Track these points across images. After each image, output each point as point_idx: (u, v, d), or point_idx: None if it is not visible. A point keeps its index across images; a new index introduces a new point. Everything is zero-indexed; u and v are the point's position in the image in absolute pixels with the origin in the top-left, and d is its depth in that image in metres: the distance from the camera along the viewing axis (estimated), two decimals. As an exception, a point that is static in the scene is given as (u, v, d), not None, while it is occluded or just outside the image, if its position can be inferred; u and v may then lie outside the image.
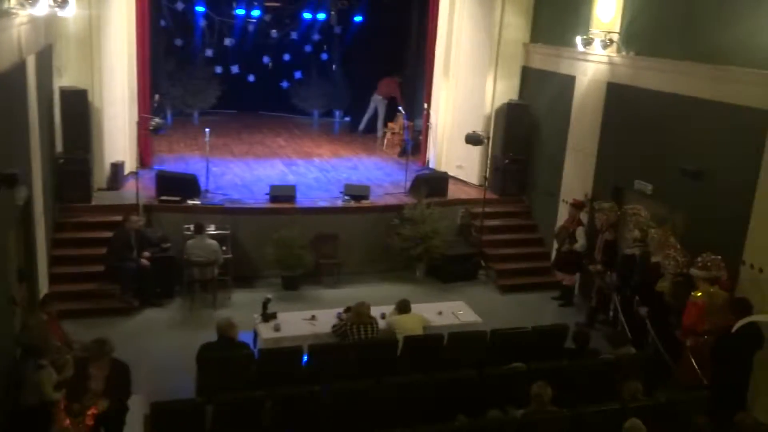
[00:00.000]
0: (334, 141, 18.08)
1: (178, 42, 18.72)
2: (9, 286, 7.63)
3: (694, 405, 7.27)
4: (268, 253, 11.50)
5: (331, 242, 12.16)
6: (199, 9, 18.23)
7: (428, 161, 15.40)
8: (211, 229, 11.16)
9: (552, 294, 11.93)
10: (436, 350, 8.34)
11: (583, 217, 11.34)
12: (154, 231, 11.36)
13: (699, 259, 8.51)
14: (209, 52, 18.94)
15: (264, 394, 6.86)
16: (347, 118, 20.36)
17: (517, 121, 13.43)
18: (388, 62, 18.45)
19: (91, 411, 6.63)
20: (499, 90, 13.82)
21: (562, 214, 12.12)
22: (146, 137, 13.37)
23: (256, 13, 18.85)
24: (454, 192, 13.58)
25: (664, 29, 10.19)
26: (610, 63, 11.17)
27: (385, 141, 17.56)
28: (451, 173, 14.32)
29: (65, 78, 11.63)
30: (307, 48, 20.18)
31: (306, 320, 9.08)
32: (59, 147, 11.50)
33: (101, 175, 12.29)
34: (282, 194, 12.34)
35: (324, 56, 20.52)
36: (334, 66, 20.64)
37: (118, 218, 10.90)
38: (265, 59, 19.91)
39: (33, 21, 8.54)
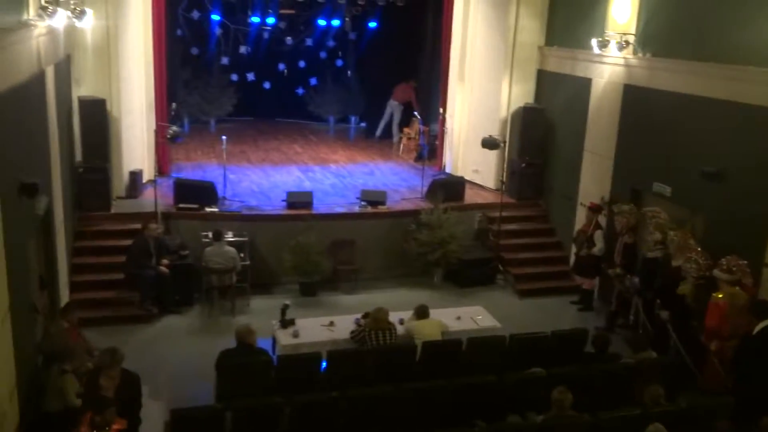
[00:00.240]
0: (350, 147, 18.11)
1: (194, 51, 18.87)
2: (30, 294, 7.70)
3: (717, 410, 7.18)
4: (285, 259, 11.53)
5: (349, 248, 12.16)
6: (215, 18, 18.36)
7: (444, 166, 15.38)
8: (229, 236, 11.21)
9: (571, 298, 11.86)
10: (454, 356, 8.31)
11: (602, 220, 11.27)
12: (173, 238, 11.43)
13: (723, 261, 8.42)
14: (225, 60, 19.08)
15: (283, 400, 6.87)
16: (363, 124, 20.39)
17: (534, 125, 13.39)
18: (403, 68, 18.46)
19: (116, 426, 6.50)
20: (514, 93, 13.78)
21: (580, 218, 12.05)
22: (164, 145, 13.46)
23: (271, 20, 18.96)
24: (470, 196, 13.55)
25: (681, 30, 10.12)
26: (627, 65, 11.10)
27: (401, 146, 17.56)
28: (467, 178, 14.30)
29: (83, 88, 11.75)
30: (322, 54, 20.27)
31: (324, 326, 9.09)
32: (78, 156, 11.62)
33: (120, 183, 12.40)
34: (299, 201, 12.37)
35: (339, 62, 20.61)
36: (349, 72, 20.70)
37: (137, 226, 10.99)
38: (281, 66, 20.03)
39: (51, 32, 8.65)
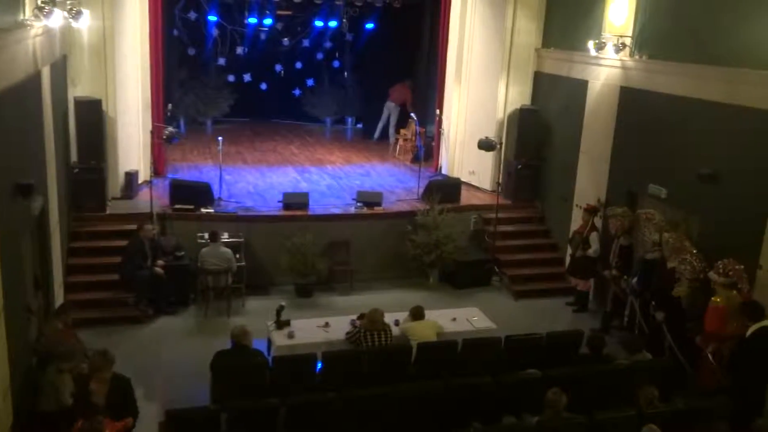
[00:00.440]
0: (346, 148, 18.11)
1: (191, 51, 18.87)
2: (25, 295, 7.69)
3: (712, 411, 7.19)
4: (281, 260, 11.52)
5: (344, 249, 12.17)
6: (212, 18, 18.35)
7: (441, 167, 15.39)
8: (225, 237, 11.20)
9: (566, 299, 11.86)
10: (450, 357, 8.31)
11: (597, 222, 11.28)
12: (168, 239, 11.42)
13: (719, 264, 8.43)
14: (222, 61, 19.07)
15: (278, 401, 6.86)
16: (359, 125, 20.40)
17: (530, 127, 13.40)
18: (400, 69, 18.47)
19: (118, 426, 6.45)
20: (511, 95, 13.79)
21: (576, 220, 12.06)
22: (160, 146, 13.44)
23: (268, 21, 18.97)
24: (466, 198, 13.56)
25: (677, 32, 10.13)
26: (623, 67, 11.12)
27: (398, 147, 17.57)
28: (463, 179, 14.30)
29: (79, 88, 11.73)
30: (319, 55, 20.29)
31: (319, 327, 9.08)
32: (74, 156, 11.59)
33: (115, 184, 12.38)
34: (295, 202, 12.37)
35: (336, 64, 20.63)
36: (346, 73, 20.72)
37: (133, 227, 10.97)
38: (278, 67, 20.03)
39: (48, 32, 8.64)
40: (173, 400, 7.87)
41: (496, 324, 9.55)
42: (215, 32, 18.70)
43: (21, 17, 7.65)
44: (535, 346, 8.59)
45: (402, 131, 17.70)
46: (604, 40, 11.21)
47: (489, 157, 13.64)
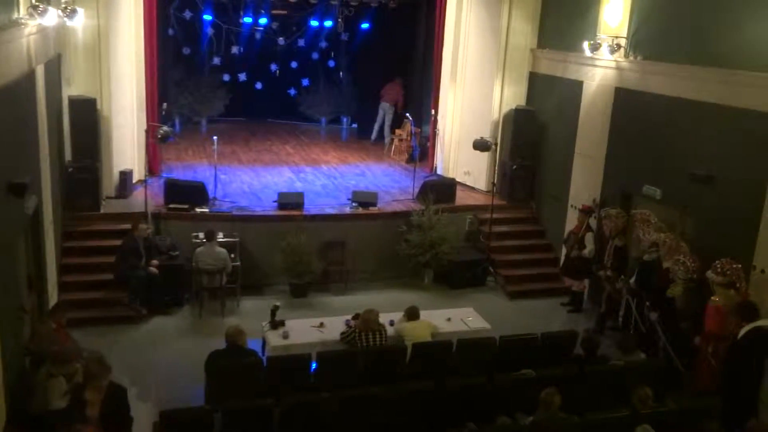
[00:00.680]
0: (341, 148, 18.10)
1: (186, 50, 18.82)
2: (19, 295, 7.66)
3: (706, 411, 7.21)
4: (276, 260, 11.51)
5: (339, 249, 12.16)
6: (207, 17, 18.31)
7: (436, 167, 15.39)
8: (220, 237, 11.18)
9: (561, 300, 11.89)
10: (444, 357, 8.31)
11: (592, 222, 11.30)
12: (163, 239, 11.40)
13: (717, 263, 8.44)
14: (217, 60, 19.04)
15: (273, 401, 6.85)
16: (354, 125, 20.40)
17: (525, 127, 13.42)
18: (395, 69, 18.47)
19: None
20: (506, 96, 13.81)
21: (571, 220, 12.09)
22: (154, 145, 13.41)
23: (263, 21, 18.92)
24: (462, 198, 13.57)
25: (672, 33, 10.16)
26: (618, 68, 11.14)
27: (393, 147, 17.56)
28: (458, 179, 14.32)
29: (74, 87, 11.70)
30: (314, 55, 20.26)
31: (314, 327, 9.07)
32: (68, 156, 11.56)
33: (110, 183, 12.35)
34: (290, 201, 12.35)
35: (331, 63, 20.61)
36: (341, 73, 20.71)
37: (127, 226, 10.94)
38: (273, 67, 19.99)
39: (42, 31, 8.61)
40: (167, 401, 7.86)
41: (490, 324, 9.56)
42: (210, 31, 18.66)
43: (15, 16, 7.62)
44: (530, 347, 8.60)
45: (397, 131, 17.71)
46: (599, 41, 11.24)
47: (484, 157, 13.65)
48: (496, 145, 13.12)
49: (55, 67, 10.66)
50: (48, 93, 9.46)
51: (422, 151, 15.75)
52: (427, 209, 12.35)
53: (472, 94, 14.45)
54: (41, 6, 7.83)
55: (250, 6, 18.28)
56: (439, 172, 15.20)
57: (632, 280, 9.88)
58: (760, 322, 7.75)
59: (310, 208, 12.45)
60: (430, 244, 12.06)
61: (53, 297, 9.62)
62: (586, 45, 11.39)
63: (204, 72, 19.23)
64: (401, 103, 18.24)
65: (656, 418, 6.55)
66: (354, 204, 12.68)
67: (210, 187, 12.48)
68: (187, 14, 17.97)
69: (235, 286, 11.19)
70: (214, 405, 6.88)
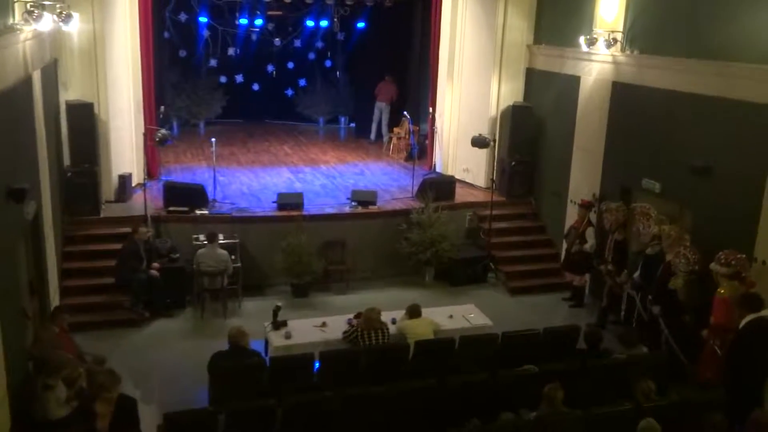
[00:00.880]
0: (340, 147, 18.10)
1: (182, 53, 18.84)
2: (21, 300, 7.66)
3: (709, 404, 7.21)
4: (276, 261, 11.51)
5: (340, 248, 12.16)
6: (203, 20, 18.30)
7: (435, 165, 15.39)
8: (220, 239, 11.18)
9: (562, 295, 11.89)
10: (447, 354, 8.32)
11: (592, 217, 11.31)
12: (163, 242, 11.40)
13: (721, 254, 8.41)
14: (213, 62, 19.03)
15: (276, 401, 6.86)
16: (352, 125, 20.39)
17: (523, 123, 13.42)
18: (392, 67, 18.46)
19: None
20: (503, 92, 13.81)
21: (570, 215, 12.09)
22: (153, 148, 13.40)
23: (259, 22, 18.93)
24: (461, 195, 13.57)
25: (668, 27, 10.16)
26: (615, 62, 11.14)
27: (391, 146, 17.56)
28: (458, 176, 14.32)
29: (71, 92, 11.69)
30: (311, 55, 20.26)
31: (316, 327, 9.07)
32: (67, 160, 11.56)
33: (109, 187, 12.34)
34: (289, 202, 12.35)
35: (328, 63, 20.60)
36: (338, 73, 20.71)
37: (127, 230, 10.94)
38: (269, 68, 19.98)
39: (38, 36, 8.61)
40: (171, 403, 7.84)
41: (492, 321, 9.57)
42: (206, 33, 18.65)
43: (10, 21, 7.62)
44: (532, 342, 8.60)
45: (396, 130, 17.70)
46: (595, 36, 11.25)
47: (483, 154, 13.65)
48: (494, 141, 13.12)
49: (51, 72, 10.65)
50: (45, 98, 9.46)
51: (421, 149, 15.76)
52: (426, 207, 12.35)
53: (469, 91, 14.45)
54: (36, 11, 7.82)
55: (245, 7, 18.28)
56: (438, 169, 15.20)
57: (637, 275, 9.86)
58: (763, 313, 7.75)
59: (310, 208, 12.45)
60: (431, 242, 12.06)
61: (55, 302, 9.62)
62: (582, 40, 11.39)
63: (201, 74, 19.24)
64: (395, 99, 18.24)
65: (659, 412, 6.55)
66: (353, 203, 12.68)
67: (209, 189, 12.48)
68: (183, 17, 17.95)
69: (236, 287, 11.19)
70: (218, 406, 6.88)
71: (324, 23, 19.38)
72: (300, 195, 12.62)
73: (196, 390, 8.12)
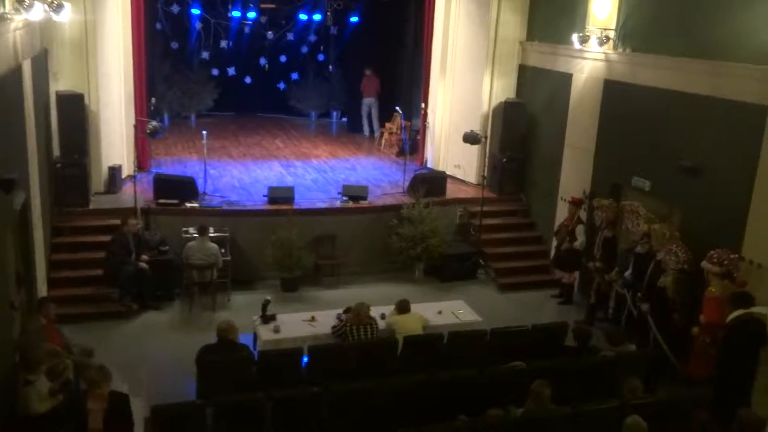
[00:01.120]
0: (331, 142, 18.08)
1: (174, 45, 18.75)
2: (7, 291, 7.61)
3: (696, 401, 7.26)
4: (266, 254, 11.49)
5: (330, 243, 12.15)
6: (195, 12, 18.23)
7: (426, 161, 15.39)
8: (210, 232, 11.15)
9: (551, 292, 11.93)
10: (436, 350, 8.33)
11: (582, 214, 11.34)
12: (153, 234, 11.36)
13: (713, 253, 8.43)
14: (205, 55, 18.95)
15: (264, 395, 6.85)
16: (344, 119, 20.37)
17: (515, 120, 13.43)
18: (385, 62, 18.46)
19: None
20: (496, 88, 13.81)
21: (561, 212, 12.12)
22: (143, 140, 13.35)
23: (251, 15, 18.87)
24: (452, 191, 13.57)
25: (661, 25, 10.18)
26: (607, 60, 11.16)
27: (383, 141, 17.56)
28: (449, 172, 14.32)
29: (61, 82, 11.61)
30: (304, 49, 20.21)
31: (305, 321, 9.07)
32: (56, 151, 11.49)
33: (99, 178, 12.28)
34: (280, 196, 12.33)
35: (320, 57, 20.56)
36: (330, 67, 20.66)
37: (117, 222, 10.90)
38: (262, 61, 19.91)
39: (28, 26, 8.54)
40: (158, 396, 7.84)
41: (481, 317, 9.59)
42: (199, 26, 18.59)
43: (1, 11, 7.55)
44: (521, 339, 8.62)
45: (387, 125, 17.70)
46: (588, 33, 11.26)
47: (474, 150, 13.67)
48: (486, 138, 13.13)
49: (42, 63, 10.58)
50: (35, 88, 9.39)
51: (412, 144, 15.76)
52: (417, 203, 12.35)
53: (461, 87, 14.44)
54: (27, 1, 7.76)
55: (238, 0, 18.19)
56: (429, 165, 15.20)
57: (628, 273, 9.89)
58: (753, 309, 7.79)
59: (301, 202, 12.43)
60: (421, 238, 12.06)
61: (42, 293, 9.57)
62: (575, 37, 11.40)
63: (192, 66, 19.16)
64: (380, 92, 18.28)
65: (646, 409, 6.58)
66: (344, 198, 12.66)
67: (200, 182, 12.44)
68: (175, 8, 17.88)
69: (225, 280, 11.17)
70: (206, 400, 6.87)
71: (317, 17, 19.34)
72: (291, 189, 12.60)
73: (184, 383, 8.10)
